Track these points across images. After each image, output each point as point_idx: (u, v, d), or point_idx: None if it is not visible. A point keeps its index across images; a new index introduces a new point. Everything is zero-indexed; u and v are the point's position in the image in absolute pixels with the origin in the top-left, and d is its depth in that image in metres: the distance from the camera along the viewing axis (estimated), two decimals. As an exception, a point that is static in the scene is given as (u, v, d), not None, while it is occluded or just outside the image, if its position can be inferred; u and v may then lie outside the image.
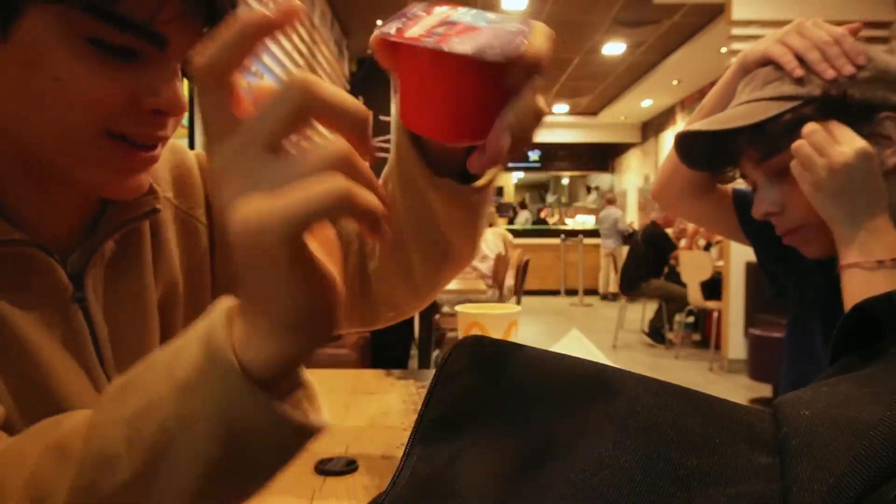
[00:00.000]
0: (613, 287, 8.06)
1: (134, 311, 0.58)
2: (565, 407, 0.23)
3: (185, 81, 0.51)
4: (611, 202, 8.33)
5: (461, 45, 0.32)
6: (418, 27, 0.35)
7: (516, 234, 7.94)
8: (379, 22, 0.41)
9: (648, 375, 0.23)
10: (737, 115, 0.72)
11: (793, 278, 0.90)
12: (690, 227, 6.44)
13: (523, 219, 11.32)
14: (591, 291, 8.46)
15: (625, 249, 7.84)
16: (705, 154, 0.81)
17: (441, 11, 0.38)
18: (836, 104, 0.68)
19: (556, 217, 11.52)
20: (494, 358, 0.27)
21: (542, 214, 11.62)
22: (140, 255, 0.59)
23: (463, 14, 0.37)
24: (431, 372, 1.09)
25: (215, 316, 0.31)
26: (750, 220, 0.88)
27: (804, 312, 0.87)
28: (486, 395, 0.25)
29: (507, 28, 0.34)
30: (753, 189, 0.79)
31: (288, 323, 0.29)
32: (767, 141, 0.71)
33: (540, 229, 9.70)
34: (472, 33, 0.34)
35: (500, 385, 0.25)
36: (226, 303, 0.32)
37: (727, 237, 1.00)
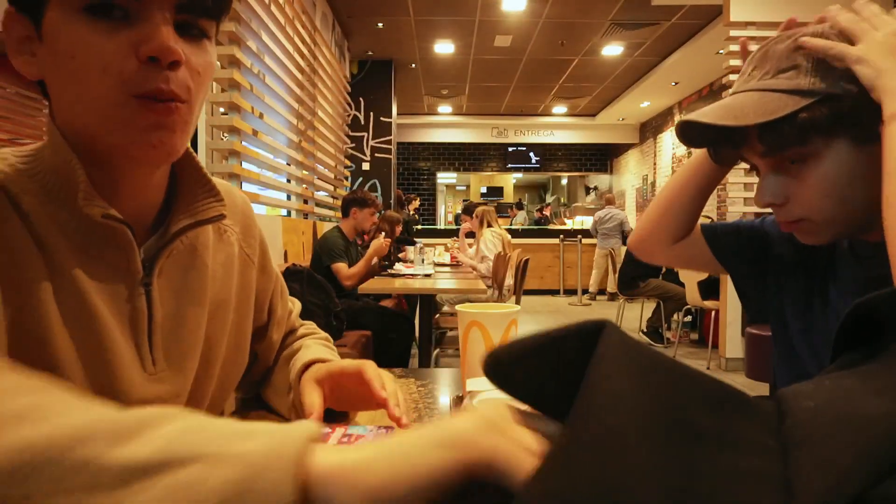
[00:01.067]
0: (610, 287, 8.08)
1: (188, 307, 0.64)
2: None
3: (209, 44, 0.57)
4: (610, 202, 8.31)
5: None
6: (332, 439, 0.61)
7: (515, 234, 7.94)
8: None
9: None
10: (747, 106, 0.68)
11: (769, 294, 0.89)
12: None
13: (521, 219, 11.29)
14: (587, 291, 8.46)
15: (623, 249, 7.84)
16: (707, 137, 0.78)
17: (339, 431, 0.63)
18: (853, 106, 0.65)
19: (557, 212, 11.46)
20: None
21: (546, 212, 11.58)
22: (204, 261, 0.66)
23: (353, 428, 0.64)
24: (432, 370, 1.10)
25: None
26: (721, 248, 0.92)
27: (781, 329, 0.87)
28: None
29: (381, 432, 0.64)
30: (752, 170, 0.77)
31: None
32: (777, 137, 0.68)
33: (539, 229, 9.69)
34: (362, 438, 0.61)
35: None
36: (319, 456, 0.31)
37: (707, 272, 1.00)
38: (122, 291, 0.58)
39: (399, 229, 5.01)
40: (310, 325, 0.93)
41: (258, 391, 0.86)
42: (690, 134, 0.77)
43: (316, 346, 0.82)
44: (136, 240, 0.58)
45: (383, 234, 3.72)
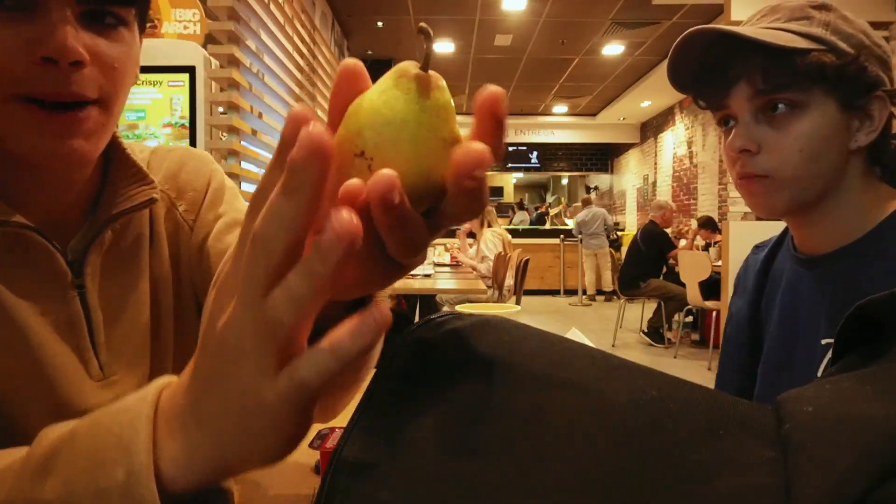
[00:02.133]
0: (606, 286, 8.08)
1: (128, 299, 0.59)
2: (562, 391, 0.22)
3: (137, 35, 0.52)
4: (587, 203, 8.32)
5: None
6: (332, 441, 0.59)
7: (515, 234, 7.95)
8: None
9: (652, 368, 0.23)
10: (765, 34, 0.68)
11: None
12: (693, 225, 6.46)
13: (518, 220, 11.24)
14: (585, 292, 8.47)
15: (609, 250, 7.86)
16: (696, 71, 0.76)
17: (339, 433, 0.54)
18: (855, 68, 0.67)
19: (558, 209, 11.38)
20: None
21: (551, 210, 11.53)
22: (138, 244, 0.61)
23: None
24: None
25: (142, 424, 0.27)
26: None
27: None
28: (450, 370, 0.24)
29: None
30: (720, 124, 0.77)
31: (238, 456, 0.26)
32: (781, 73, 0.68)
33: (539, 229, 9.69)
34: None
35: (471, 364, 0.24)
36: (155, 393, 0.28)
37: None
38: (53, 298, 0.53)
39: None
40: None
41: None
42: (681, 75, 0.77)
43: None
44: (59, 240, 0.53)
45: None
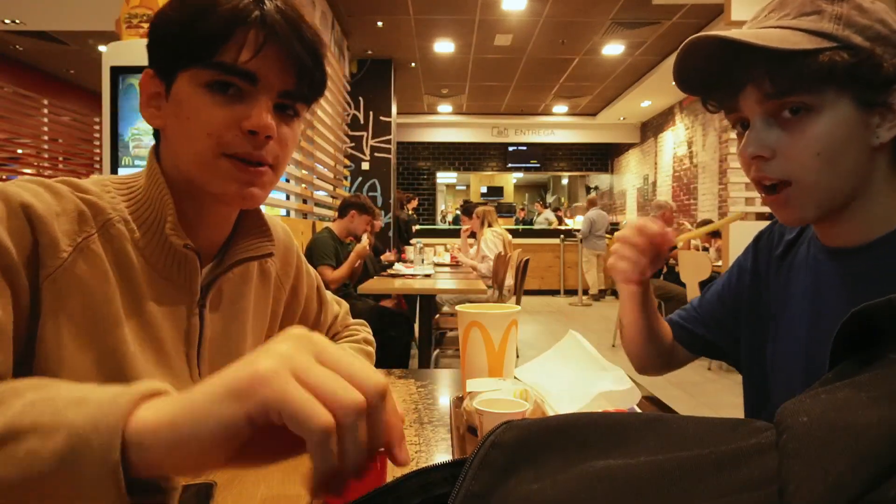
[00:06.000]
0: (603, 286, 8.09)
1: (234, 328, 0.74)
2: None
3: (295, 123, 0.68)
4: (593, 203, 8.32)
5: None
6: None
7: (515, 234, 7.94)
8: None
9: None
10: (770, 36, 0.64)
11: (732, 340, 0.92)
12: (686, 226, 6.45)
13: (546, 216, 11.10)
14: (584, 291, 8.47)
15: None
16: (704, 74, 0.73)
17: None
18: (870, 62, 0.63)
19: (559, 209, 11.32)
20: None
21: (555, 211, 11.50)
22: (248, 289, 0.77)
23: None
24: (432, 371, 1.09)
25: (130, 393, 0.34)
26: (691, 341, 0.95)
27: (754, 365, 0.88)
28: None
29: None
30: (735, 126, 0.74)
31: (195, 464, 0.33)
32: (791, 76, 0.65)
33: (539, 229, 9.69)
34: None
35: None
36: (150, 387, 0.35)
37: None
38: (182, 310, 0.67)
39: (379, 225, 5.16)
40: (354, 329, 0.98)
41: None
42: (689, 80, 0.74)
43: None
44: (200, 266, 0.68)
45: (366, 234, 3.71)
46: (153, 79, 0.65)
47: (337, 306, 0.97)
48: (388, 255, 5.31)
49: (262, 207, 0.74)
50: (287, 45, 0.62)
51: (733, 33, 0.65)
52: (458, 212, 7.76)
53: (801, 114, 0.66)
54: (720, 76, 0.71)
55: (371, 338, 0.98)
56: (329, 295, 0.96)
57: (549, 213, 11.16)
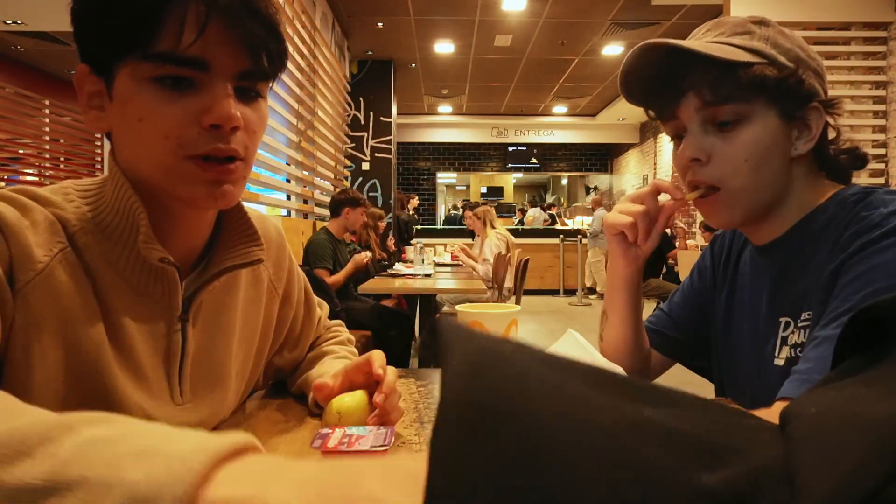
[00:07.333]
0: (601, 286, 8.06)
1: (219, 341, 0.69)
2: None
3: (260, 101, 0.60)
4: (598, 203, 8.34)
5: (361, 445, 0.60)
6: (333, 440, 0.61)
7: (515, 234, 7.95)
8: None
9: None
10: (712, 48, 0.71)
11: (702, 338, 0.96)
12: (679, 226, 6.47)
13: (530, 216, 11.13)
14: (591, 290, 8.47)
15: None
16: (647, 85, 0.79)
17: (339, 432, 0.63)
18: (795, 77, 0.71)
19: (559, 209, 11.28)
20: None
21: (552, 211, 11.51)
22: (236, 299, 0.71)
23: (351, 429, 0.64)
24: (432, 371, 1.09)
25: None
26: (665, 344, 1.00)
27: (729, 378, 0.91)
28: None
29: (380, 432, 0.63)
30: (672, 137, 0.80)
31: None
32: (729, 84, 0.71)
33: (540, 229, 9.69)
34: (363, 438, 0.61)
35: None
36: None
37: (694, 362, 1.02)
38: (161, 327, 0.62)
39: (383, 225, 5.14)
40: (336, 330, 0.97)
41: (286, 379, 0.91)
42: (632, 87, 0.80)
43: (331, 363, 0.85)
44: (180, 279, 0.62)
45: (370, 235, 3.71)
46: (90, 76, 0.56)
47: (319, 309, 0.95)
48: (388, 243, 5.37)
49: (263, 208, 0.70)
50: (234, 18, 0.53)
51: (681, 42, 0.72)
52: (461, 209, 7.74)
53: (734, 122, 0.73)
54: (664, 84, 0.76)
55: (352, 337, 0.98)
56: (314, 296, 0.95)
57: (534, 211, 11.17)
